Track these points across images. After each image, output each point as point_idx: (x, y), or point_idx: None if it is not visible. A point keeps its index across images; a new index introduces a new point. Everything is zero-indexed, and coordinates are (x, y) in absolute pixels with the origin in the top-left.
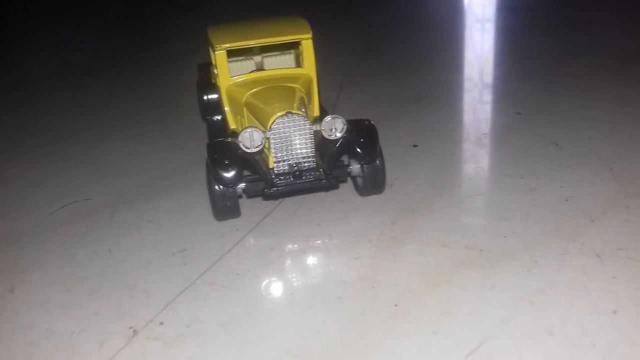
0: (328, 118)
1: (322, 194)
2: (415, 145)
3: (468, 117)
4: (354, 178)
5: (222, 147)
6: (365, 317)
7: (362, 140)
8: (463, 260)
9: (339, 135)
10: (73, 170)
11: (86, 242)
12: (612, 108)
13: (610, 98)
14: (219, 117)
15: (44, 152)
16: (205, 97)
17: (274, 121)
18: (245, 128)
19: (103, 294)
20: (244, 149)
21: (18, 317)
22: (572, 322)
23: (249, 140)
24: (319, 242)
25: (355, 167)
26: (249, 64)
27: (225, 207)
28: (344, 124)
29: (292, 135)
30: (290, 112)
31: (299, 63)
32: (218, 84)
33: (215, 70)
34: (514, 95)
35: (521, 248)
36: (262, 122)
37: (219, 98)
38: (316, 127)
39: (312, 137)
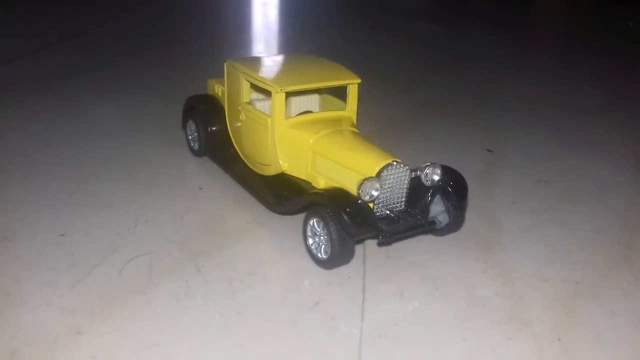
0: (429, 167)
1: None
2: None
3: (445, 151)
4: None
5: (347, 197)
6: (545, 355)
7: (454, 186)
8: (571, 292)
9: (436, 179)
10: (90, 215)
11: (197, 303)
12: (555, 145)
13: (548, 135)
14: (230, 151)
15: (36, 192)
16: (209, 129)
17: (382, 169)
18: (365, 179)
19: (278, 358)
20: (364, 198)
21: None
22: None
23: (369, 189)
24: (440, 284)
25: (435, 209)
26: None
27: (345, 256)
28: (441, 171)
29: (395, 183)
30: (396, 161)
31: (321, 105)
32: (268, 123)
33: (241, 107)
34: (472, 132)
35: (602, 277)
36: (359, 169)
37: (226, 130)
38: (414, 174)
39: (409, 183)
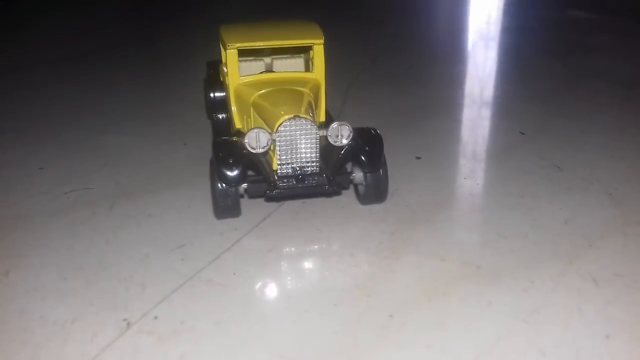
0: (335, 124)
1: (322, 200)
2: (418, 157)
3: (471, 132)
4: (355, 185)
5: (227, 146)
6: (361, 326)
7: (367, 148)
8: (460, 275)
9: (344, 142)
10: (74, 156)
11: (84, 231)
12: (614, 134)
13: (614, 124)
14: (224, 115)
15: (44, 136)
16: (212, 95)
17: (281, 123)
18: (252, 129)
19: (99, 284)
20: (249, 149)
21: (13, 302)
22: (566, 345)
23: (255, 140)
24: (317, 247)
25: (358, 175)
26: (258, 64)
27: (226, 206)
28: (350, 131)
29: (298, 139)
30: (298, 116)
31: (308, 67)
32: (227, 82)
33: (225, 69)
34: (519, 114)
35: (518, 267)
36: (269, 123)
37: (226, 96)
38: (322, 132)
39: (318, 142)
